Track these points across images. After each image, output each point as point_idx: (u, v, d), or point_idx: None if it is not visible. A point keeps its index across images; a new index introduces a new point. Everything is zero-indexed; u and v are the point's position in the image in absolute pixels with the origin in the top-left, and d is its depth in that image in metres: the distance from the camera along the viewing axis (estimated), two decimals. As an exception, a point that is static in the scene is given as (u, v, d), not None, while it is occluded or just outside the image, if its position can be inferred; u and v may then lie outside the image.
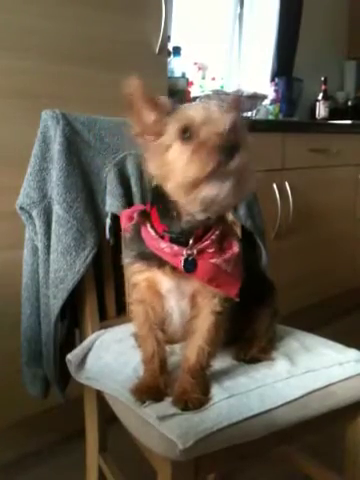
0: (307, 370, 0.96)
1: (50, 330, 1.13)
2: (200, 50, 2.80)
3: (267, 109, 2.94)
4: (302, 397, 0.89)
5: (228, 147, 0.69)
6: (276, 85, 3.04)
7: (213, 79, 2.79)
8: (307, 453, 1.22)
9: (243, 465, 1.44)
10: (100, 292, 1.17)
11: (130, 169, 1.20)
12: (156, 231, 0.85)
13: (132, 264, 0.89)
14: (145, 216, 0.88)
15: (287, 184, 2.28)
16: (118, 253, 0.94)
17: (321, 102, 3.26)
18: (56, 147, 1.11)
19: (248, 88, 2.59)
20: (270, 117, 2.95)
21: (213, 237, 0.84)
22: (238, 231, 1.33)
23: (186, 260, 0.83)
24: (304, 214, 2.39)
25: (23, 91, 1.42)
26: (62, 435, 1.65)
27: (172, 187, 0.75)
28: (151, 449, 0.81)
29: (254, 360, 0.99)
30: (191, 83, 2.52)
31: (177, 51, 2.33)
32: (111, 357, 1.03)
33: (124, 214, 0.96)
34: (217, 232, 0.85)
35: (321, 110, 3.26)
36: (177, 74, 2.29)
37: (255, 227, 1.33)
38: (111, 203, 1.16)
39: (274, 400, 0.87)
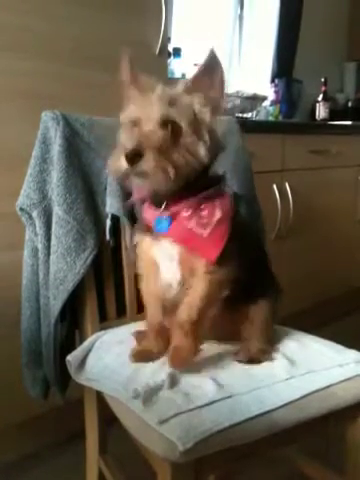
0: (307, 371, 0.96)
1: (50, 331, 1.13)
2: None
3: (267, 110, 2.94)
4: (302, 398, 0.89)
5: (130, 156, 0.81)
6: (276, 86, 3.04)
7: (213, 80, 2.79)
8: (307, 454, 1.22)
9: (243, 466, 1.44)
10: (100, 293, 1.17)
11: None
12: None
13: (137, 236, 1.00)
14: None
15: (287, 185, 2.28)
16: (118, 254, 0.95)
17: (321, 103, 3.26)
18: (56, 148, 1.11)
19: (248, 89, 2.59)
20: (270, 118, 2.95)
21: (188, 201, 0.91)
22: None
23: (157, 220, 0.92)
24: (304, 215, 2.39)
25: (23, 92, 1.42)
26: (62, 436, 1.65)
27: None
28: (151, 450, 0.81)
29: (254, 361, 0.99)
30: (191, 84, 2.52)
31: (177, 52, 2.33)
32: (111, 358, 1.03)
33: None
34: (187, 201, 0.91)
35: (321, 111, 3.26)
36: (177, 75, 2.30)
37: (256, 228, 1.34)
38: (111, 204, 1.16)
39: (274, 401, 0.87)
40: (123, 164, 0.82)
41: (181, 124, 0.85)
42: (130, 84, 0.93)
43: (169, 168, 0.82)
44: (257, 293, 1.02)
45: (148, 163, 0.81)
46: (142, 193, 0.92)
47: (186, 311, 0.92)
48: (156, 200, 0.93)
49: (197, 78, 0.89)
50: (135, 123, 0.87)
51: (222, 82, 0.89)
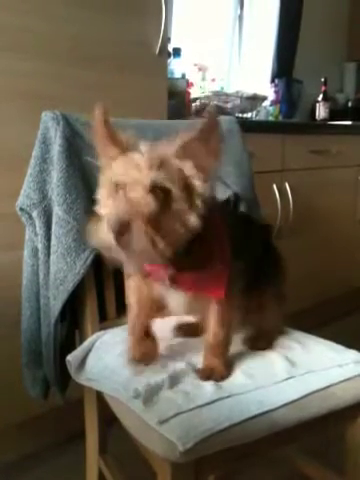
0: (307, 371, 0.96)
1: (50, 331, 1.13)
2: (200, 51, 2.80)
3: (267, 110, 2.94)
4: (302, 398, 0.89)
5: (115, 229, 0.72)
6: (276, 86, 3.04)
7: (213, 80, 2.79)
8: (307, 454, 1.22)
9: (243, 466, 1.44)
10: (100, 293, 1.18)
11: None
12: None
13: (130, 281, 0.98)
14: None
15: (287, 185, 2.28)
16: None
17: (321, 103, 3.26)
18: (56, 148, 1.11)
19: (248, 89, 2.59)
20: (270, 118, 2.95)
21: (190, 266, 0.87)
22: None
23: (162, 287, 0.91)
24: (304, 215, 2.39)
25: (23, 92, 1.42)
26: (62, 436, 1.65)
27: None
28: (151, 450, 0.81)
29: (260, 347, 1.04)
30: (191, 84, 2.52)
31: (177, 52, 2.33)
32: (111, 358, 1.03)
33: None
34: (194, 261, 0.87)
35: (321, 111, 3.26)
36: (177, 75, 2.29)
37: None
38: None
39: (274, 401, 0.87)
40: (108, 237, 0.73)
41: (171, 190, 0.76)
42: (106, 141, 0.84)
43: (159, 242, 0.74)
44: (264, 282, 1.05)
45: (136, 238, 0.72)
46: (129, 268, 0.89)
47: (211, 337, 0.93)
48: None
49: (191, 142, 0.80)
50: (120, 187, 0.77)
51: (218, 149, 0.80)
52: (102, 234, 0.74)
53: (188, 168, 0.80)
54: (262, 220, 1.33)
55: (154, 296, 0.95)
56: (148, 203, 0.74)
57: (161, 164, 0.78)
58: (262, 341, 1.06)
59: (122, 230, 0.72)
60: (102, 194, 0.83)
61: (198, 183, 0.80)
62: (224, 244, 0.90)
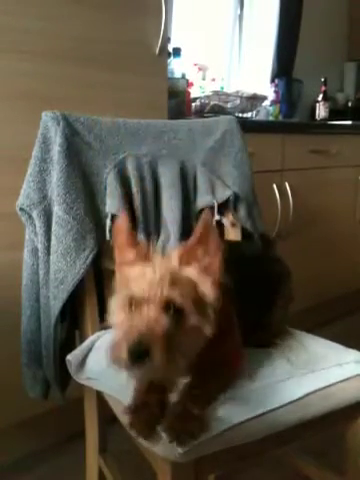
0: (307, 371, 0.96)
1: (50, 331, 1.13)
2: (200, 51, 2.80)
3: (267, 110, 2.94)
4: (302, 398, 0.89)
5: (135, 353, 0.71)
6: (276, 86, 3.04)
7: (213, 80, 2.79)
8: (307, 454, 1.22)
9: (244, 466, 1.44)
10: (100, 293, 1.18)
11: (130, 170, 1.21)
12: None
13: None
14: None
15: (287, 185, 2.28)
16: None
17: (321, 103, 3.26)
18: (56, 148, 1.11)
19: (248, 89, 2.59)
20: (270, 118, 2.95)
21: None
22: (238, 232, 1.33)
23: None
24: (304, 215, 2.39)
25: (23, 92, 1.42)
26: (62, 436, 1.65)
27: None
28: (151, 450, 0.80)
29: (265, 344, 1.03)
30: (191, 84, 2.52)
31: (177, 52, 2.33)
32: (111, 358, 1.03)
33: None
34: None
35: (321, 111, 3.25)
36: (177, 75, 2.29)
37: (255, 228, 1.34)
38: (111, 204, 1.16)
39: (274, 401, 0.87)
40: (126, 357, 0.72)
41: (184, 306, 0.78)
42: (125, 246, 0.86)
43: (177, 359, 0.74)
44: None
45: (156, 360, 0.72)
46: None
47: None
48: None
49: (191, 248, 0.83)
50: (135, 303, 0.78)
51: (218, 248, 0.83)
52: (120, 352, 0.73)
53: (194, 273, 0.82)
54: (260, 234, 1.34)
55: None
56: (163, 322, 0.75)
57: (173, 279, 0.79)
58: (265, 338, 1.06)
59: (140, 355, 0.72)
60: (115, 304, 0.83)
61: (208, 291, 0.81)
62: (234, 328, 0.91)
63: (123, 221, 0.88)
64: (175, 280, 0.79)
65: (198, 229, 0.82)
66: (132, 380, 0.85)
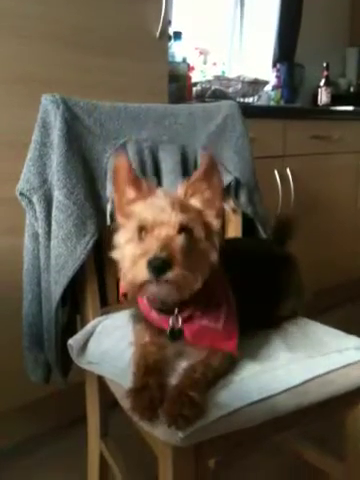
0: (307, 357, 0.96)
1: (51, 316, 1.13)
2: (201, 35, 2.77)
3: (268, 95, 2.92)
4: (302, 384, 0.90)
5: (158, 266, 0.74)
6: (278, 71, 3.01)
7: (214, 64, 2.77)
8: (307, 440, 1.23)
9: (244, 451, 1.45)
10: (101, 278, 1.17)
11: (131, 155, 1.20)
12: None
13: (133, 325, 0.97)
14: None
15: (288, 171, 2.27)
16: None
17: (323, 88, 3.23)
18: (56, 132, 1.10)
19: (249, 74, 2.57)
20: (271, 103, 2.93)
21: (199, 302, 0.87)
22: (239, 219, 1.33)
23: (171, 331, 0.88)
24: (305, 201, 2.39)
25: (22, 76, 1.40)
26: (64, 420, 1.66)
27: (123, 284, 0.82)
28: (152, 435, 0.81)
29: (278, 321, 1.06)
30: (192, 68, 2.50)
31: (178, 36, 2.30)
32: (112, 342, 1.03)
33: (122, 284, 1.00)
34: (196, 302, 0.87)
35: (323, 96, 3.23)
36: (178, 59, 2.27)
37: (256, 214, 1.33)
38: (111, 189, 1.15)
39: (274, 387, 0.88)
40: (145, 274, 0.75)
41: (196, 231, 0.82)
42: (126, 184, 0.88)
43: (193, 276, 0.78)
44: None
45: (176, 272, 0.75)
46: (156, 302, 0.87)
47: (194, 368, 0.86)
48: (166, 307, 0.88)
49: (195, 182, 0.86)
50: (149, 229, 0.80)
51: (220, 186, 0.87)
52: (139, 271, 0.76)
53: (199, 203, 0.86)
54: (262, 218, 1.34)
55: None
56: (180, 241, 0.78)
57: (183, 207, 0.83)
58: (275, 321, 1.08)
59: (163, 267, 0.74)
60: (122, 238, 0.85)
61: (213, 222, 0.86)
62: (226, 289, 0.93)
63: (122, 160, 0.89)
64: (184, 207, 0.83)
65: (202, 165, 0.86)
66: (139, 331, 0.91)
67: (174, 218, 0.80)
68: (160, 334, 0.91)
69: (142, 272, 0.75)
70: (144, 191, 0.87)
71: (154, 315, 0.90)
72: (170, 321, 0.88)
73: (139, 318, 0.94)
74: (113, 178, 0.91)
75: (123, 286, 0.94)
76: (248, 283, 0.96)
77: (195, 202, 0.86)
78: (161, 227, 0.79)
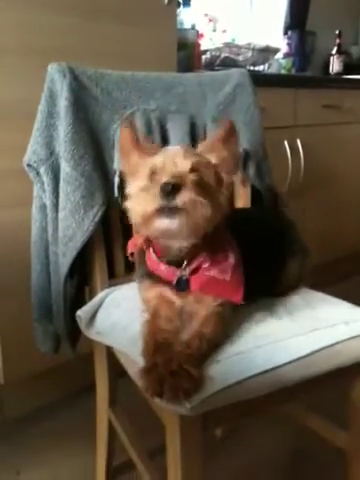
0: (313, 328, 0.96)
1: (60, 287, 1.14)
2: (211, 1, 2.70)
3: (279, 63, 2.86)
4: (308, 355, 0.90)
5: (168, 189, 0.76)
6: (289, 38, 2.95)
7: (224, 32, 2.71)
8: (312, 410, 1.24)
9: (250, 420, 1.48)
10: (109, 250, 1.17)
11: (139, 125, 1.18)
12: (156, 255, 0.92)
13: (141, 282, 0.97)
14: (148, 242, 0.93)
15: (299, 141, 2.24)
16: (126, 212, 0.94)
17: (335, 57, 3.16)
18: (63, 102, 1.09)
19: (260, 41, 2.52)
20: (282, 71, 2.87)
21: (204, 255, 0.89)
22: (248, 191, 1.32)
23: (178, 280, 0.89)
24: (315, 172, 2.36)
25: (29, 45, 1.38)
26: (73, 389, 1.69)
27: (134, 221, 0.85)
28: (160, 404, 0.82)
29: (282, 293, 1.06)
30: (201, 35, 2.44)
31: (187, 2, 2.25)
32: (121, 313, 1.04)
33: (130, 241, 1.02)
34: (204, 254, 0.89)
35: (335, 65, 3.16)
36: (187, 26, 2.23)
37: (264, 186, 1.32)
38: (119, 160, 1.14)
39: (280, 358, 0.88)
40: (156, 201, 0.77)
41: (206, 176, 0.83)
42: (133, 150, 0.90)
43: (206, 206, 0.79)
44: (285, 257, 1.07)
45: (187, 196, 0.77)
46: (165, 240, 0.87)
47: (196, 342, 0.84)
48: (174, 258, 0.89)
49: (213, 143, 0.90)
50: (160, 171, 0.82)
51: (236, 150, 0.91)
52: (149, 201, 0.78)
53: (214, 159, 0.88)
54: (267, 188, 1.33)
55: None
56: (191, 177, 0.80)
57: (196, 154, 0.86)
58: (280, 290, 1.08)
59: (173, 190, 0.76)
60: (133, 188, 0.86)
61: (225, 177, 0.88)
62: (231, 240, 0.94)
63: (126, 126, 0.92)
64: (196, 154, 0.87)
65: (222, 129, 0.89)
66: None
67: (186, 160, 0.82)
68: (168, 288, 0.91)
69: (153, 200, 0.77)
70: (149, 151, 0.89)
71: (162, 269, 0.91)
72: (178, 272, 0.89)
73: (147, 275, 0.95)
74: (120, 146, 0.93)
75: (133, 243, 0.99)
76: (251, 248, 0.96)
77: (211, 157, 0.88)
78: (172, 167, 0.81)
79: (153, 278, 0.93)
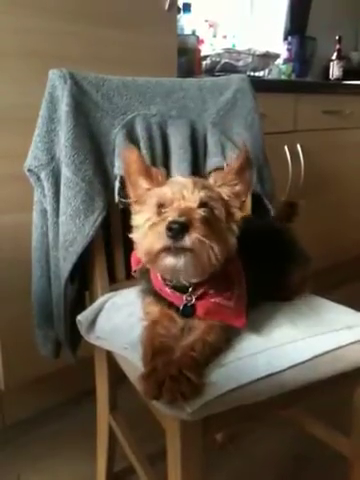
0: (316, 333, 0.96)
1: (60, 292, 1.14)
2: (211, 7, 2.71)
3: (279, 69, 2.87)
4: (310, 360, 0.90)
5: (176, 229, 0.74)
6: (289, 44, 2.96)
7: (224, 37, 2.72)
8: (314, 415, 1.24)
9: (251, 425, 1.47)
10: (109, 255, 1.17)
11: (139, 131, 1.18)
12: (161, 277, 0.90)
13: (144, 298, 0.97)
14: None
15: (299, 146, 2.24)
16: (127, 216, 0.94)
17: (335, 62, 3.16)
18: (64, 108, 1.09)
19: (260, 47, 2.52)
20: (282, 77, 2.88)
21: (210, 282, 0.87)
22: (248, 197, 1.32)
23: (184, 306, 0.88)
24: (316, 177, 2.36)
25: (29, 50, 1.38)
26: (74, 394, 1.69)
27: (141, 256, 0.82)
28: (160, 409, 0.82)
29: (286, 298, 1.06)
30: (202, 41, 2.45)
31: (187, 8, 2.26)
32: (121, 318, 1.04)
33: (134, 257, 1.00)
34: (211, 280, 0.87)
35: (335, 70, 3.17)
36: (187, 31, 2.23)
37: (264, 191, 1.32)
38: (120, 166, 1.14)
39: (282, 362, 0.88)
40: (163, 239, 0.75)
41: (216, 211, 0.82)
42: (140, 176, 0.89)
43: (212, 248, 0.77)
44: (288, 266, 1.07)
45: (195, 236, 0.75)
46: (172, 277, 0.85)
47: (199, 347, 0.84)
48: (180, 285, 0.87)
49: (227, 174, 0.88)
50: (168, 203, 0.81)
51: (250, 183, 0.90)
52: (156, 239, 0.76)
53: (225, 193, 0.87)
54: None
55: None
56: (200, 213, 0.78)
57: (205, 186, 0.84)
58: (284, 295, 1.08)
59: (181, 230, 0.75)
60: (140, 220, 0.85)
61: (236, 212, 0.87)
62: (240, 269, 0.93)
63: (132, 152, 0.89)
64: (206, 186, 0.84)
65: (238, 159, 0.87)
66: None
67: (195, 194, 0.80)
68: (170, 307, 0.91)
69: (160, 238, 0.76)
70: (157, 180, 0.87)
71: (167, 290, 0.90)
72: (184, 298, 0.88)
73: (149, 292, 0.94)
74: (125, 171, 0.90)
75: (136, 260, 0.96)
76: (253, 254, 0.95)
77: (223, 191, 0.87)
78: (181, 201, 0.80)
79: (157, 296, 0.93)
